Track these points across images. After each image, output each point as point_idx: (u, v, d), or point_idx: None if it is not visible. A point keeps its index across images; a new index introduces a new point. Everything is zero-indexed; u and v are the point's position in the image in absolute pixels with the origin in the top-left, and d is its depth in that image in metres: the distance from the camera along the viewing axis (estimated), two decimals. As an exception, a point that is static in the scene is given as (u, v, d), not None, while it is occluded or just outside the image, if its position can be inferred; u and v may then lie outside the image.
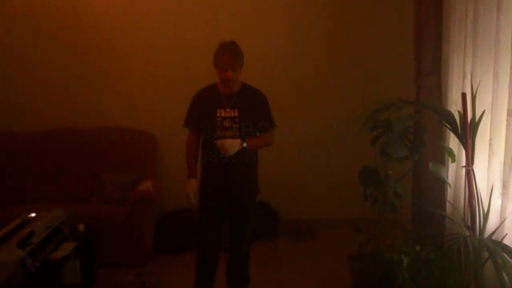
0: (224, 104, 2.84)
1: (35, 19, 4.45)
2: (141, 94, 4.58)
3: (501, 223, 2.48)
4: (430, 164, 2.68)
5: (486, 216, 2.44)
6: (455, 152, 2.85)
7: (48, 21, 4.45)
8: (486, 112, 2.59)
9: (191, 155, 2.95)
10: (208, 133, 2.84)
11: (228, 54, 2.72)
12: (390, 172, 3.06)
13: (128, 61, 4.53)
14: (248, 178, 2.95)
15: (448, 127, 2.59)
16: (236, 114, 2.82)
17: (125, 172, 4.22)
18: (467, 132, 2.43)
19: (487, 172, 2.69)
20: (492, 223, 2.54)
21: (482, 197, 2.51)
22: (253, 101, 2.87)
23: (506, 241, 2.38)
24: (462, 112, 2.47)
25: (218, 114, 2.83)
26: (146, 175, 4.20)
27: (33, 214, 2.81)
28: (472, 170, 2.44)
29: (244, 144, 2.78)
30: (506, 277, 2.07)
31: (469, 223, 2.45)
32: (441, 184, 3.06)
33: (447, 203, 3.04)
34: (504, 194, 2.50)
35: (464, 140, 2.46)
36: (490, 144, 2.62)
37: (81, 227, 3.07)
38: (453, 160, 2.74)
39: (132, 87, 4.57)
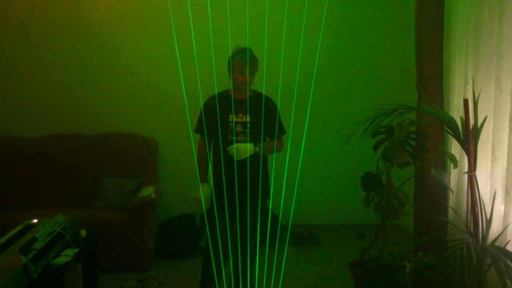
0: (236, 109, 2.90)
1: (39, 25, 4.47)
2: (143, 100, 4.59)
3: (504, 229, 2.47)
4: (432, 170, 2.68)
5: (489, 222, 2.44)
6: (457, 158, 2.85)
7: (52, 27, 4.48)
8: (488, 118, 2.59)
9: (203, 160, 3.02)
10: (220, 138, 2.87)
11: (246, 57, 2.80)
12: (392, 178, 3.07)
13: (132, 67, 4.55)
14: (259, 183, 2.96)
15: (450, 133, 2.59)
16: (248, 119, 2.88)
17: (127, 178, 4.22)
18: (469, 138, 2.42)
19: (489, 178, 2.69)
20: (495, 229, 2.54)
21: (484, 203, 2.50)
22: (264, 107, 2.91)
23: (509, 247, 2.38)
24: (464, 118, 2.47)
25: (230, 120, 2.89)
26: (148, 181, 4.20)
27: (35, 220, 2.80)
28: (475, 176, 2.44)
29: (256, 149, 2.85)
30: (509, 284, 2.07)
31: (471, 229, 2.45)
32: (444, 190, 3.06)
33: (450, 209, 3.03)
34: (507, 200, 2.50)
35: (466, 146, 2.45)
36: (492, 150, 2.62)
37: (83, 232, 3.07)
38: (456, 166, 2.74)
39: (135, 92, 4.58)
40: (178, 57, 4.51)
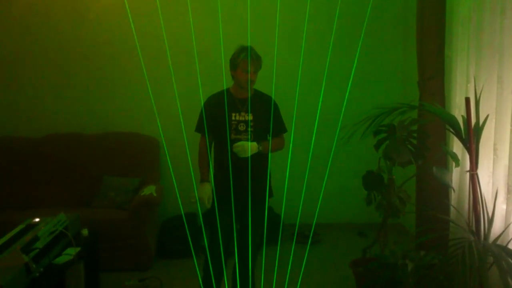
0: (239, 108, 2.90)
1: (39, 25, 4.48)
2: (144, 99, 4.58)
3: (506, 227, 2.47)
4: (434, 168, 2.68)
5: (490, 221, 2.43)
6: (459, 157, 2.84)
7: (53, 26, 4.49)
8: (490, 116, 2.58)
9: (204, 160, 3.00)
10: (222, 137, 2.88)
11: (251, 55, 2.80)
12: (393, 177, 3.06)
13: (132, 67, 4.54)
14: (261, 181, 2.96)
15: (452, 132, 2.59)
16: (251, 118, 2.88)
17: (128, 177, 4.22)
18: (471, 136, 2.42)
19: (491, 176, 2.68)
20: (497, 227, 2.54)
21: (486, 201, 2.50)
22: (266, 106, 2.92)
23: (511, 246, 2.37)
24: (466, 116, 2.47)
25: (233, 118, 2.88)
26: (149, 180, 4.20)
27: (37, 219, 2.81)
28: (477, 174, 2.43)
29: (260, 148, 2.85)
30: (511, 282, 2.06)
31: (473, 228, 2.44)
32: (445, 188, 3.05)
33: (451, 208, 3.03)
34: (509, 199, 2.49)
35: (468, 145, 2.45)
36: (494, 149, 2.62)
37: (85, 231, 3.07)
38: (457, 165, 2.73)
39: (136, 92, 4.58)
40: (180, 58, 4.52)
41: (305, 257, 2.72)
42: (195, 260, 2.61)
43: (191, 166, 2.96)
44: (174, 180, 2.59)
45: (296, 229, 2.71)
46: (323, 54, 4.58)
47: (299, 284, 2.57)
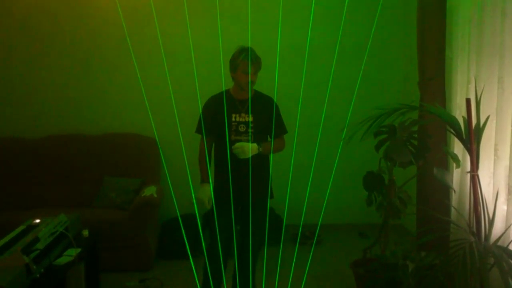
0: (239, 109, 2.90)
1: (40, 25, 4.49)
2: (145, 100, 4.58)
3: (507, 228, 2.47)
4: (434, 169, 2.67)
5: (491, 221, 2.43)
6: (460, 158, 2.84)
7: (53, 27, 4.50)
8: (491, 117, 2.58)
9: (204, 161, 3.00)
10: (222, 138, 2.87)
11: (251, 57, 2.80)
12: (394, 178, 3.06)
13: (133, 67, 4.54)
14: (262, 182, 2.96)
15: (452, 133, 2.59)
16: (251, 119, 2.88)
17: (129, 177, 4.22)
18: (471, 137, 2.42)
19: (492, 177, 2.68)
20: (497, 228, 2.53)
21: (487, 202, 2.50)
22: (266, 107, 2.92)
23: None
24: (466, 117, 2.47)
25: (234, 119, 2.88)
26: (149, 180, 4.21)
27: (37, 220, 2.81)
28: (477, 175, 2.43)
29: (260, 149, 2.85)
30: (512, 284, 2.06)
31: (474, 229, 2.44)
32: (446, 189, 3.05)
33: (452, 209, 3.02)
34: (509, 200, 2.49)
35: (468, 146, 2.45)
36: (495, 150, 2.62)
37: (85, 232, 3.07)
38: (458, 166, 2.73)
39: (136, 92, 4.57)
40: (179, 59, 4.53)
41: (309, 259, 2.71)
42: (192, 265, 2.60)
43: (187, 167, 2.97)
44: (169, 182, 2.59)
45: (300, 230, 2.70)
46: (325, 54, 4.59)
47: (302, 286, 2.57)
